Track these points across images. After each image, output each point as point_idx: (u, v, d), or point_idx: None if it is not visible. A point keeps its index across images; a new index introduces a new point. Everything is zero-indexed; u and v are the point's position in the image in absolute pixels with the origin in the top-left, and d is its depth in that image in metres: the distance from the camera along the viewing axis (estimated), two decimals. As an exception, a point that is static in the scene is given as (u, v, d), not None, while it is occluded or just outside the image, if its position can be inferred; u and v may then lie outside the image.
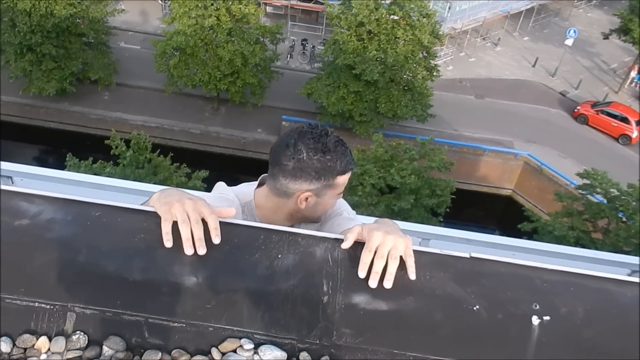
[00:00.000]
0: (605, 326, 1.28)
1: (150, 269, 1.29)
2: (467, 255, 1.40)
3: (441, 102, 23.21)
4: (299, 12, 26.60)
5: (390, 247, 1.37)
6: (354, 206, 12.34)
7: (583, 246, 14.93)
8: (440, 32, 20.46)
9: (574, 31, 26.09)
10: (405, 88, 20.66)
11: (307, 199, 1.78)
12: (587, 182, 15.69)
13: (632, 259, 4.55)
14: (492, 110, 24.25)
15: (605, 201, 15.48)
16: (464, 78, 25.83)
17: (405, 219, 15.43)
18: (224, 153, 22.49)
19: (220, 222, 1.39)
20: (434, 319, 1.28)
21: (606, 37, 26.20)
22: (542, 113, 24.49)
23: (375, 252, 1.35)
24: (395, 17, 19.48)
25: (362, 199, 14.60)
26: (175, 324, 1.28)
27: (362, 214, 12.38)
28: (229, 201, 1.83)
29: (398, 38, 19.34)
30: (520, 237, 15.69)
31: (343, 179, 1.80)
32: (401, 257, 1.36)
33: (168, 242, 1.32)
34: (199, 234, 1.33)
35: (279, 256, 1.33)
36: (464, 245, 4.56)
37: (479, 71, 26.36)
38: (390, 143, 16.12)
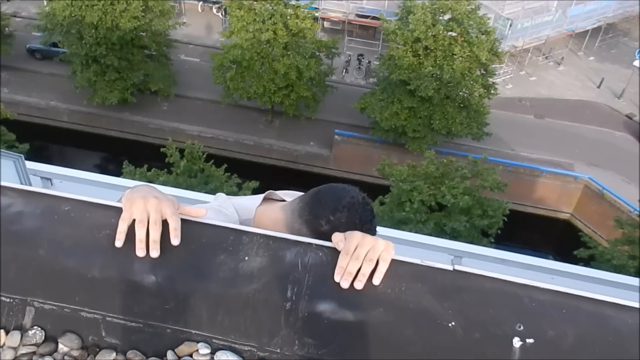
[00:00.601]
0: (596, 355, 1.14)
1: (110, 266, 1.25)
2: (450, 268, 1.29)
3: (498, 120, 22.68)
4: (356, 27, 26.67)
5: (368, 248, 1.28)
6: (402, 222, 12.18)
7: (644, 276, 14.14)
8: (500, 50, 20.02)
9: (644, 52, 25.04)
10: (461, 105, 20.29)
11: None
12: (651, 208, 14.91)
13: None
14: (552, 130, 23.47)
15: (670, 230, 14.66)
16: (523, 97, 25.16)
17: (455, 238, 15.07)
18: (275, 165, 22.69)
19: (188, 220, 1.33)
20: (404, 334, 1.18)
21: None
22: (606, 136, 23.51)
23: (352, 254, 1.27)
24: (453, 34, 19.22)
25: (410, 215, 14.35)
26: (133, 324, 1.23)
27: (410, 231, 12.15)
28: (227, 216, 1.66)
29: (455, 54, 19.05)
30: (577, 264, 15.11)
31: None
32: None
33: (118, 242, 1.26)
34: (154, 235, 1.26)
35: (245, 258, 1.26)
36: (498, 265, 4.37)
37: (540, 90, 25.60)
38: (442, 160, 15.82)
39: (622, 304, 1.21)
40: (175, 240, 1.27)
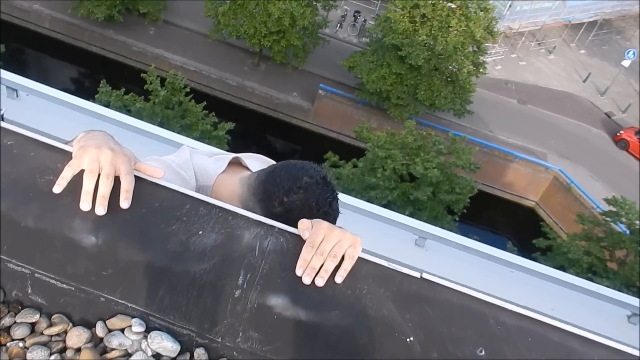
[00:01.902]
0: (555, 392, 1.07)
1: (47, 217, 1.12)
2: (417, 275, 1.19)
3: (482, 100, 22.63)
4: (358, -18, 25.98)
5: (334, 242, 1.18)
6: (370, 187, 12.16)
7: (595, 273, 14.54)
8: (495, 29, 19.77)
9: (634, 53, 25.07)
10: (448, 79, 20.13)
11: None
12: (614, 209, 15.21)
13: (633, 300, 4.30)
14: (532, 118, 23.58)
15: (628, 232, 15.00)
16: (510, 80, 25.09)
17: (419, 210, 15.19)
18: (255, 110, 22.34)
19: (143, 179, 1.20)
20: (357, 343, 1.09)
21: (667, 65, 25.13)
22: (583, 130, 23.73)
23: (317, 248, 1.16)
24: (452, 6, 18.87)
25: (380, 182, 14.33)
26: (64, 286, 1.12)
27: (375, 197, 12.15)
28: (184, 180, 1.53)
29: (451, 27, 18.75)
30: (534, 252, 15.42)
31: None
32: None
33: (57, 187, 1.12)
34: (104, 190, 1.13)
35: (200, 232, 1.14)
36: (461, 252, 4.35)
37: (527, 76, 25.55)
38: (420, 132, 15.76)
39: (591, 339, 1.14)
40: (124, 203, 1.13)
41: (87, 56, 22.68)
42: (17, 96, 4.23)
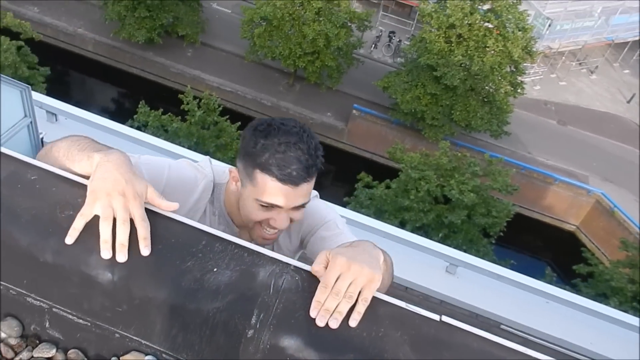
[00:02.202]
0: None
1: (66, 253, 1.13)
2: (436, 318, 1.16)
3: (520, 121, 22.31)
4: (393, 3, 26.07)
5: (350, 281, 1.16)
6: (404, 209, 11.98)
7: (640, 302, 13.98)
8: (534, 49, 19.51)
9: (680, 73, 24.38)
10: (485, 100, 19.92)
11: (235, 179, 1.63)
12: (659, 235, 14.68)
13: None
14: (573, 139, 23.07)
15: (675, 260, 14.43)
16: (549, 101, 24.66)
17: (454, 232, 14.96)
18: (290, 130, 22.48)
19: (157, 214, 1.21)
20: (372, 388, 1.06)
21: None
22: (627, 153, 23.07)
23: (332, 288, 1.14)
24: (489, 25, 18.74)
25: (413, 204, 14.18)
26: (80, 321, 1.12)
27: (409, 220, 12.02)
28: (197, 176, 1.66)
29: (487, 47, 18.60)
30: (574, 278, 14.93)
31: (263, 181, 1.51)
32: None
33: (69, 238, 1.13)
34: (122, 238, 1.13)
35: (214, 270, 1.13)
36: (493, 280, 4.25)
37: (568, 97, 25.07)
38: (455, 153, 15.58)
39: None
40: (145, 250, 1.14)
41: (128, 77, 23.35)
42: (56, 120, 4.36)
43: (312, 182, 1.55)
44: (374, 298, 1.15)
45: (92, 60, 23.43)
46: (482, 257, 14.62)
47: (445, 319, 1.14)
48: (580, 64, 26.61)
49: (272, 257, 1.19)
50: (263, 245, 1.52)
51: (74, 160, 1.31)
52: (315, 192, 1.72)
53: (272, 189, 1.50)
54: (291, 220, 1.59)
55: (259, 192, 1.53)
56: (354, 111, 21.79)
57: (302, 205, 1.57)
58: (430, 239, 14.08)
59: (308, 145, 1.49)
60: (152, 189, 1.23)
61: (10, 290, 1.13)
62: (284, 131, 1.48)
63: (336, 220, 1.73)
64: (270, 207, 1.54)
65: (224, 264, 1.15)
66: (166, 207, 1.22)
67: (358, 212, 14.75)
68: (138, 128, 14.87)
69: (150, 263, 1.13)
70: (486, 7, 18.93)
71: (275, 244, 1.77)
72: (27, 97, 4.28)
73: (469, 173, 14.72)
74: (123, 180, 1.20)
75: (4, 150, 1.26)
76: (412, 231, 14.23)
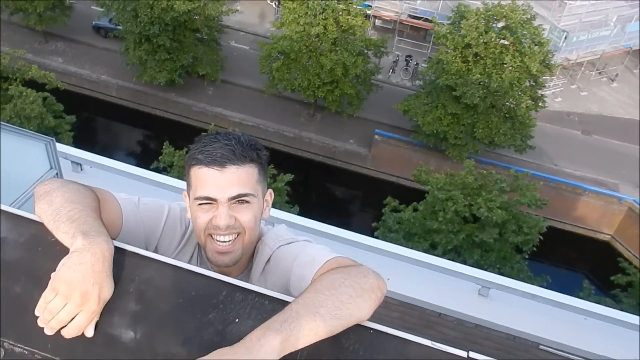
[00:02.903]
0: None
1: None
2: (464, 355, 1.16)
3: (544, 134, 22.10)
4: (407, 28, 26.29)
5: None
6: (433, 232, 11.84)
7: (683, 310, 13.54)
8: (552, 62, 19.42)
9: None
10: (507, 115, 19.82)
11: (184, 195, 1.63)
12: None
13: None
14: (599, 148, 22.73)
15: None
16: (572, 112, 24.41)
17: (486, 251, 14.77)
18: (313, 159, 22.65)
19: (180, 268, 1.25)
20: None
21: None
22: (655, 158, 22.62)
23: None
24: (505, 42, 18.74)
25: (442, 226, 14.07)
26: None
27: (440, 241, 11.89)
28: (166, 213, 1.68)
29: (505, 64, 18.58)
30: (613, 289, 14.54)
31: (194, 175, 1.50)
32: None
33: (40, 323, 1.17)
34: (59, 320, 1.15)
35: (236, 320, 1.17)
36: (528, 300, 4.19)
37: (590, 106, 24.79)
38: (481, 171, 15.47)
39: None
40: (48, 331, 1.16)
41: (152, 119, 23.87)
42: (81, 169, 4.49)
43: (245, 170, 1.50)
44: (398, 338, 1.16)
45: (117, 105, 24.06)
46: (517, 274, 14.45)
47: (472, 354, 1.15)
48: (599, 73, 26.35)
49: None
50: (221, 265, 1.55)
51: (58, 229, 1.29)
52: (287, 238, 1.64)
53: (201, 178, 1.50)
54: (237, 220, 1.52)
55: (194, 189, 1.52)
56: (376, 136, 21.86)
57: (242, 198, 1.51)
58: (465, 261, 13.96)
59: (237, 139, 1.51)
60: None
61: (36, 355, 1.16)
62: (215, 134, 1.54)
63: (305, 249, 1.57)
64: (207, 202, 1.50)
65: (245, 314, 1.18)
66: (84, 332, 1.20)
67: (387, 237, 14.72)
68: (164, 169, 15.15)
69: (172, 318, 1.17)
70: (501, 24, 18.95)
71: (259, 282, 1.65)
72: (52, 149, 4.43)
73: (496, 190, 14.59)
74: (92, 280, 1.17)
75: (23, 213, 1.32)
76: (444, 253, 14.10)
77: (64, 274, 1.17)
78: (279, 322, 1.11)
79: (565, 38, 23.44)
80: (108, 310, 1.18)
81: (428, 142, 20.68)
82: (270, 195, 1.68)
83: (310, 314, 1.14)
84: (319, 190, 23.27)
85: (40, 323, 1.17)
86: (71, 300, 1.15)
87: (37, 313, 1.17)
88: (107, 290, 1.19)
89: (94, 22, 25.36)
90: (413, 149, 21.88)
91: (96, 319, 1.18)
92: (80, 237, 1.23)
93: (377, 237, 12.89)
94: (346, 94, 20.75)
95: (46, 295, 1.17)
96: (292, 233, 1.68)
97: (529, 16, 18.64)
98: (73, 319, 1.16)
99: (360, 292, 1.24)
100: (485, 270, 8.82)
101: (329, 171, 22.55)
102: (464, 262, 12.82)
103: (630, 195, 20.77)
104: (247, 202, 1.53)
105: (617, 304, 13.64)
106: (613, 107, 24.92)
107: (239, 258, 1.58)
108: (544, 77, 20.41)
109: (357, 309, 1.21)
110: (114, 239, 1.33)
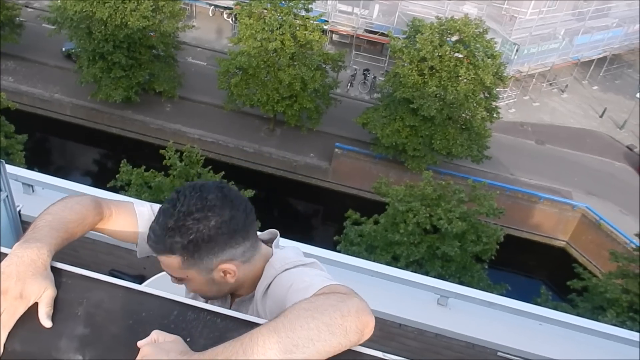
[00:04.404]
0: None
1: (31, 340, 1.15)
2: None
3: (499, 144, 22.66)
4: (364, 42, 26.67)
5: None
6: (395, 244, 11.86)
7: (636, 312, 13.99)
8: (505, 74, 19.98)
9: (648, 84, 25.04)
10: (463, 127, 20.25)
11: None
12: (648, 243, 14.80)
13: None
14: (552, 157, 23.44)
15: (665, 265, 14.52)
16: (525, 122, 25.14)
17: (447, 261, 14.97)
18: (274, 174, 22.62)
19: (130, 289, 1.24)
20: None
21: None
22: (606, 166, 23.47)
23: None
24: (459, 56, 19.20)
25: (404, 238, 14.21)
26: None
27: (402, 253, 11.95)
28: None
29: (460, 76, 19.02)
30: (570, 294, 14.92)
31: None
32: None
33: None
34: None
35: (187, 339, 1.16)
36: (485, 308, 4.26)
37: (542, 116, 25.59)
38: (439, 182, 15.72)
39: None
40: None
41: (108, 138, 23.45)
42: (32, 191, 4.38)
43: (164, 259, 1.43)
44: (351, 351, 1.17)
45: (71, 124, 23.53)
46: (477, 283, 14.69)
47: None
48: (550, 84, 27.26)
49: (244, 320, 1.22)
50: None
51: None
52: (290, 262, 1.54)
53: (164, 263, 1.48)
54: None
55: None
56: (337, 149, 22.00)
57: (175, 277, 1.48)
58: (427, 272, 14.10)
59: (162, 223, 1.40)
60: (49, 294, 1.24)
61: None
62: (172, 196, 1.44)
63: (302, 275, 1.47)
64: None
65: (197, 333, 1.17)
66: (41, 320, 1.22)
67: (348, 250, 14.77)
68: (121, 187, 14.87)
69: (122, 340, 1.15)
70: (454, 38, 19.41)
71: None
72: (2, 171, 4.31)
73: (455, 200, 14.83)
74: (14, 278, 1.22)
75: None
76: (407, 266, 14.22)
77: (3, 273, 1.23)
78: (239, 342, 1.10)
79: (517, 51, 24.18)
80: (56, 334, 1.15)
81: (387, 154, 20.92)
82: (229, 264, 1.46)
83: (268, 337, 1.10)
84: (280, 204, 23.20)
85: None
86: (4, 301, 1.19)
87: None
88: (32, 288, 1.22)
89: (63, 48, 24.31)
90: (373, 162, 22.10)
91: (49, 310, 1.22)
92: (20, 241, 1.31)
93: (339, 251, 12.95)
94: (305, 108, 20.84)
95: None
96: (301, 256, 1.62)
97: (481, 30, 19.16)
98: None
99: (324, 333, 1.13)
100: (447, 280, 8.95)
101: (290, 185, 22.54)
102: (426, 274, 12.98)
103: (583, 202, 21.43)
104: (182, 280, 1.49)
105: (574, 309, 14.00)
106: (564, 117, 25.78)
107: (224, 292, 1.58)
108: (498, 89, 20.97)
109: (314, 351, 1.12)
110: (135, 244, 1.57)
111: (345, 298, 1.22)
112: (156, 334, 1.15)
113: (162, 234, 1.38)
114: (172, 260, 1.41)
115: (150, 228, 1.42)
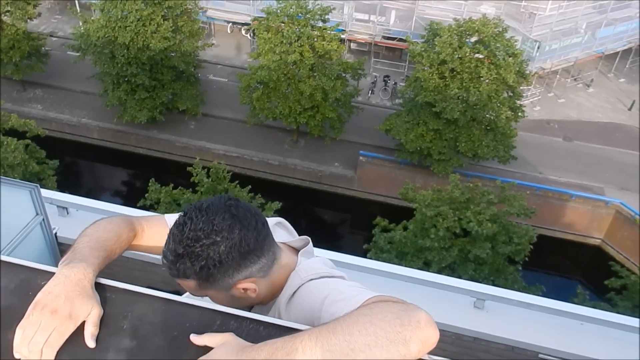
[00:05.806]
0: None
1: (79, 354, 1.17)
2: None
3: (526, 143, 22.36)
4: (383, 49, 26.65)
5: None
6: (425, 249, 11.79)
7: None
8: (527, 72, 19.75)
9: (676, 73, 24.47)
10: (488, 128, 20.05)
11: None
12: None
13: None
14: (581, 154, 23.02)
15: None
16: (551, 119, 24.76)
17: (479, 264, 14.77)
18: (299, 185, 22.68)
19: (172, 300, 1.25)
20: None
21: None
22: (638, 159, 22.93)
23: None
24: (480, 56, 19.06)
25: (434, 243, 14.08)
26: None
27: (433, 259, 11.90)
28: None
29: (481, 77, 18.87)
30: (608, 293, 14.56)
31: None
32: None
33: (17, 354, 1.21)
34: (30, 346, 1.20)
35: (232, 348, 1.16)
36: (523, 309, 4.19)
37: (569, 113, 25.18)
38: (467, 184, 15.56)
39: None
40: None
41: (136, 158, 23.82)
42: (67, 213, 4.46)
43: (181, 282, 1.43)
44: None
45: (99, 147, 24.00)
46: (511, 285, 14.45)
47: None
48: (575, 79, 26.84)
49: (287, 327, 1.22)
50: None
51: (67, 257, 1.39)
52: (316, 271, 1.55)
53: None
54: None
55: None
56: (361, 157, 21.97)
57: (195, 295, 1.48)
58: (459, 277, 13.93)
59: (173, 250, 1.39)
60: (95, 313, 1.26)
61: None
62: (179, 220, 1.42)
63: (337, 286, 1.46)
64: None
65: (241, 341, 1.17)
66: (87, 340, 1.23)
67: (379, 257, 14.68)
68: (151, 206, 15.07)
69: (168, 352, 1.16)
70: (474, 39, 19.28)
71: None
72: (36, 195, 4.40)
73: (484, 202, 14.66)
74: (63, 298, 1.25)
75: (11, 259, 1.32)
76: (439, 271, 14.06)
77: (40, 297, 1.26)
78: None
79: (538, 48, 23.89)
80: (103, 349, 1.17)
81: (412, 159, 20.81)
82: (247, 282, 1.45)
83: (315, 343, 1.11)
84: (307, 215, 23.24)
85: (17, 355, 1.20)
86: (44, 318, 1.22)
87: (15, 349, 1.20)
88: (80, 307, 1.25)
89: None
90: (398, 167, 22.00)
91: (95, 330, 1.24)
92: (63, 264, 1.34)
93: (369, 259, 12.86)
94: (327, 118, 20.90)
95: (23, 321, 1.22)
96: (328, 267, 1.61)
97: (500, 29, 19.00)
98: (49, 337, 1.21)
99: (382, 339, 1.12)
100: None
101: (316, 196, 22.57)
102: (459, 278, 12.81)
103: (616, 198, 20.98)
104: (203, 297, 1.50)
105: (613, 308, 13.65)
106: (591, 112, 25.33)
107: (249, 304, 1.57)
108: (521, 87, 20.72)
109: (371, 356, 1.11)
110: None
111: (407, 308, 1.20)
112: (208, 337, 1.18)
113: (174, 260, 1.38)
114: (188, 283, 1.42)
115: (162, 253, 1.43)
